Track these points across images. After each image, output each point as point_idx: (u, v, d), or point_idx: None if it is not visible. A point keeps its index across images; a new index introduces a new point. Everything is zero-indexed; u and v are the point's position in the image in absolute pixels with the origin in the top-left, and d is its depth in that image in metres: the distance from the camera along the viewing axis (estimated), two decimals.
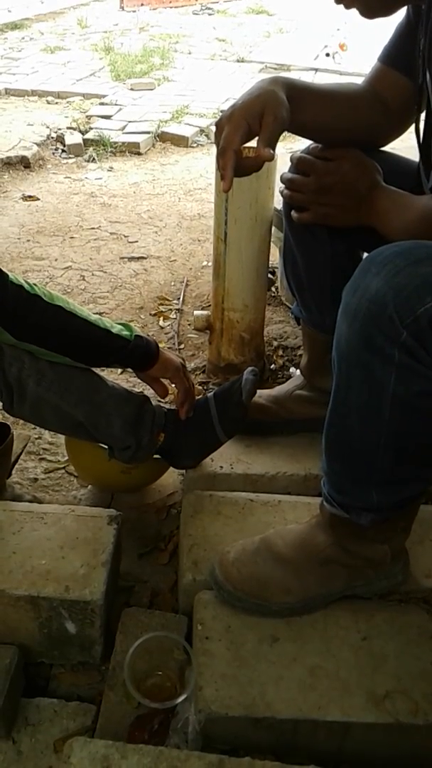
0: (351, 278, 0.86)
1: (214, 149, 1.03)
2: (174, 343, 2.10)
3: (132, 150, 4.09)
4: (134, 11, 8.63)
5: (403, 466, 0.93)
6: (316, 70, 5.86)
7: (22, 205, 3.33)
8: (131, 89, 5.18)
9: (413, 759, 0.98)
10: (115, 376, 1.79)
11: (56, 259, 2.72)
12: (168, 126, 4.38)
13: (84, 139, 4.13)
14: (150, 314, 2.31)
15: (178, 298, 2.40)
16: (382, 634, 1.04)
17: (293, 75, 3.82)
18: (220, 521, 1.24)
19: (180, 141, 4.25)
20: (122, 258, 2.75)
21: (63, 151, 4.09)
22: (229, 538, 1.18)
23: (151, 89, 5.21)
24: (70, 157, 4.02)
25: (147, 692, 1.01)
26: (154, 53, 6.31)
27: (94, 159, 3.97)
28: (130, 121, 4.43)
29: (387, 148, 1.23)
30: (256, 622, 1.05)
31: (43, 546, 1.14)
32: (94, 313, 1.20)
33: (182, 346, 2.10)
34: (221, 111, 3.33)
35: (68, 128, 4.30)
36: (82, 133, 4.25)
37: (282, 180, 1.17)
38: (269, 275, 1.80)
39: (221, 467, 1.40)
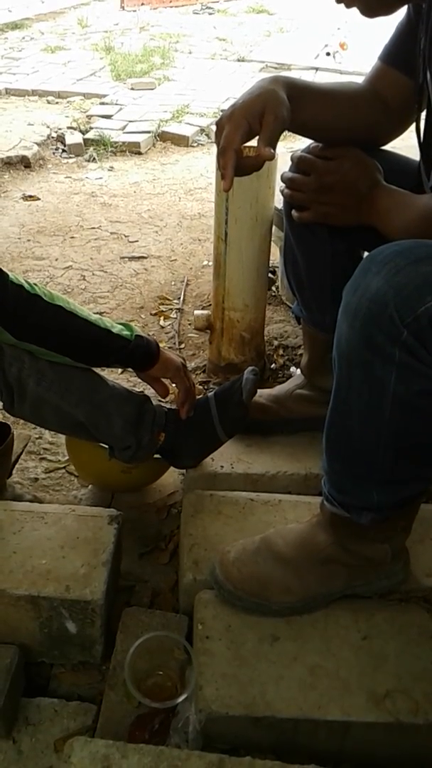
0: (351, 277, 0.86)
1: (214, 149, 1.03)
2: (174, 343, 2.10)
3: (132, 149, 4.09)
4: (135, 11, 8.62)
5: (403, 465, 0.93)
6: (317, 69, 5.86)
7: (23, 204, 3.33)
8: (132, 89, 5.18)
9: (413, 758, 0.98)
10: (115, 376, 1.79)
11: (56, 259, 2.72)
12: (168, 125, 4.38)
13: (84, 139, 4.13)
14: (150, 314, 2.31)
15: (179, 298, 2.40)
16: (383, 634, 1.04)
17: (294, 74, 3.83)
18: (221, 521, 1.24)
19: (180, 140, 4.24)
20: (123, 258, 2.75)
21: (63, 150, 4.09)
22: (229, 537, 1.18)
23: (152, 89, 5.21)
24: (70, 157, 4.02)
25: (147, 692, 1.01)
26: (154, 53, 6.31)
27: (94, 159, 3.97)
28: (130, 121, 4.43)
29: (387, 147, 1.23)
30: (257, 621, 1.05)
31: (43, 546, 1.14)
32: (94, 313, 1.20)
33: (183, 345, 2.10)
34: (222, 110, 3.32)
35: (69, 128, 4.30)
36: (83, 132, 4.25)
37: (282, 179, 1.17)
38: (270, 274, 1.80)
39: (222, 467, 1.40)
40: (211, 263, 1.86)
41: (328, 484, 1.01)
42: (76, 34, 7.34)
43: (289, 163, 1.16)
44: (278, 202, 1.48)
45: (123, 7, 8.83)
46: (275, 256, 2.06)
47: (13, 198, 3.41)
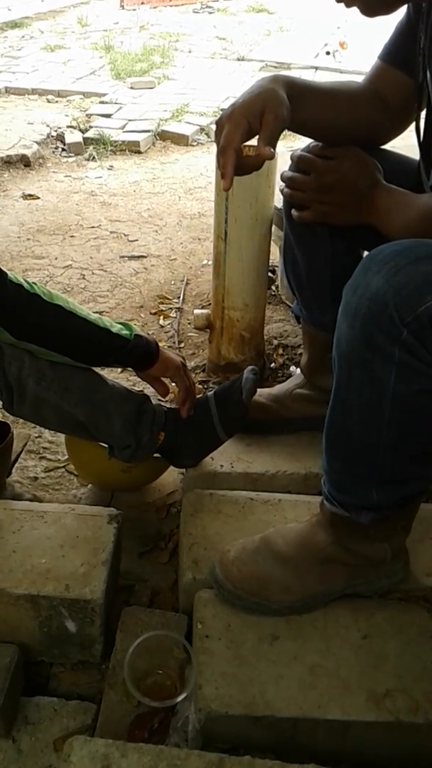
0: (351, 277, 0.86)
1: (214, 148, 1.03)
2: (174, 342, 2.10)
3: (132, 149, 4.09)
4: (134, 10, 8.62)
5: (403, 464, 0.93)
6: (317, 68, 5.86)
7: (22, 203, 3.33)
8: (131, 88, 5.17)
9: (413, 758, 0.98)
10: (115, 375, 1.79)
11: (56, 258, 2.72)
12: (168, 124, 4.38)
13: (84, 138, 4.12)
14: (150, 313, 2.30)
15: (178, 297, 2.39)
16: (383, 633, 1.04)
17: (293, 73, 3.82)
18: (221, 520, 1.24)
19: (180, 139, 4.24)
20: (122, 257, 2.74)
21: (63, 149, 4.09)
22: (229, 536, 1.18)
23: (151, 88, 5.21)
24: (70, 156, 4.02)
25: (147, 691, 1.01)
26: (154, 52, 6.30)
27: (94, 158, 3.97)
28: (130, 120, 4.43)
29: (387, 147, 1.23)
30: (256, 620, 1.05)
31: (43, 545, 1.14)
32: (94, 312, 1.20)
33: (182, 344, 2.09)
34: (221, 109, 3.32)
35: (68, 127, 4.30)
36: (82, 131, 4.25)
37: (282, 178, 1.17)
38: (269, 274, 1.80)
39: (221, 466, 1.40)
40: (210, 262, 1.85)
41: (327, 484, 1.01)
42: (76, 33, 7.34)
43: (289, 162, 1.16)
44: (278, 201, 1.48)
45: (123, 6, 8.83)
46: (275, 255, 2.06)
47: (12, 197, 3.41)
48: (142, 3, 8.95)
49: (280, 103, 0.97)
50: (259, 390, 1.43)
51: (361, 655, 1.01)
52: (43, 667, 1.14)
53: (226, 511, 1.25)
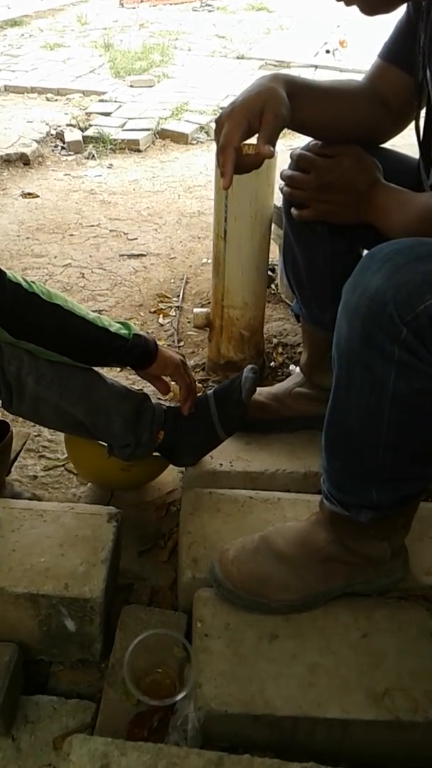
0: (351, 275, 0.86)
1: (213, 146, 1.02)
2: (173, 341, 2.10)
3: (131, 147, 4.09)
4: (134, 8, 8.62)
5: (403, 463, 0.93)
6: (316, 67, 5.85)
7: (22, 202, 3.33)
8: (131, 86, 5.17)
9: (413, 756, 0.98)
10: (114, 374, 1.78)
11: (56, 257, 2.72)
12: (167, 123, 4.38)
13: (83, 136, 4.12)
14: (149, 311, 2.30)
15: (178, 296, 2.39)
16: (382, 632, 1.04)
17: (293, 72, 3.83)
18: (220, 519, 1.24)
19: (180, 138, 4.24)
20: (122, 255, 2.74)
21: (62, 148, 4.08)
22: (228, 535, 1.18)
23: (151, 86, 5.20)
24: (69, 154, 4.01)
25: (146, 689, 1.01)
26: (153, 50, 6.30)
27: (93, 156, 3.97)
28: (129, 118, 4.42)
29: (387, 145, 1.23)
30: (256, 619, 1.05)
31: (42, 543, 1.14)
32: (93, 311, 1.20)
33: (182, 343, 2.09)
34: (221, 108, 3.31)
35: (68, 125, 4.29)
36: (82, 130, 4.25)
37: (282, 177, 1.17)
38: (269, 272, 1.79)
39: (221, 465, 1.40)
40: (210, 261, 1.85)
41: (327, 483, 1.01)
42: (76, 31, 7.33)
43: (289, 160, 1.16)
44: (278, 200, 1.48)
45: (122, 5, 8.83)
46: (275, 254, 2.05)
47: (12, 195, 3.40)
48: (142, 1, 8.95)
49: (279, 102, 0.97)
50: (258, 389, 1.43)
51: (360, 653, 1.01)
52: (42, 666, 1.14)
53: (226, 509, 1.25)
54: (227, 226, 1.60)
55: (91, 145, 4.05)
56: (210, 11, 9.04)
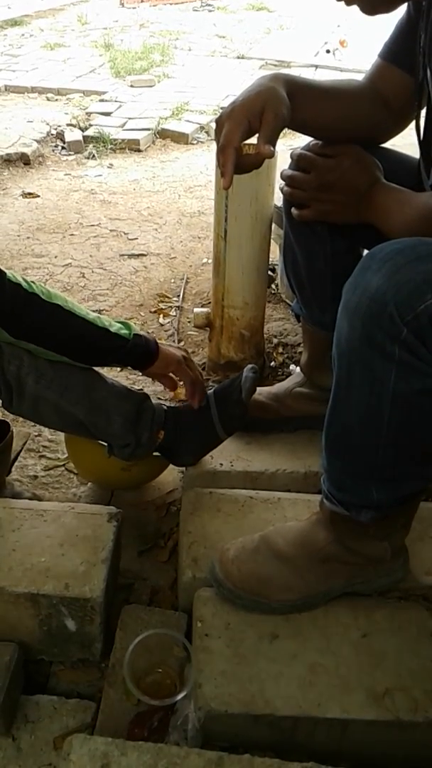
0: (351, 275, 0.86)
1: (214, 146, 1.02)
2: (174, 341, 2.10)
3: (132, 147, 4.09)
4: (134, 8, 8.61)
5: (403, 463, 0.93)
6: (317, 66, 5.85)
7: (22, 202, 3.33)
8: (131, 86, 5.17)
9: (413, 756, 0.98)
10: (114, 374, 1.78)
11: (56, 257, 2.72)
12: (168, 123, 4.38)
13: (84, 136, 4.12)
14: (150, 311, 2.30)
15: (178, 296, 2.39)
16: (382, 632, 1.04)
17: (293, 71, 3.82)
18: (220, 518, 1.24)
19: (180, 138, 4.24)
20: (122, 255, 2.74)
21: (63, 148, 4.08)
22: (228, 535, 1.18)
23: (151, 86, 5.20)
24: (69, 154, 4.01)
25: (147, 689, 1.01)
26: (154, 50, 6.30)
27: (93, 156, 3.97)
28: (129, 118, 4.42)
29: (387, 145, 1.23)
30: (256, 619, 1.05)
31: (42, 543, 1.14)
32: (93, 311, 1.20)
33: (182, 343, 2.09)
34: (221, 108, 3.30)
35: (68, 125, 4.29)
36: (82, 130, 4.24)
37: (282, 177, 1.17)
38: (269, 272, 1.79)
39: (221, 464, 1.40)
40: (210, 261, 1.85)
41: (327, 482, 1.01)
42: (76, 31, 7.33)
43: (289, 160, 1.16)
44: (278, 200, 1.48)
45: (122, 4, 8.83)
46: (275, 254, 2.05)
47: (12, 195, 3.40)
48: (142, 1, 8.95)
49: (280, 102, 0.97)
50: (258, 388, 1.43)
51: (360, 653, 1.01)
52: (42, 666, 1.14)
53: (226, 509, 1.25)
54: (227, 226, 1.60)
55: (91, 145, 4.05)
56: (210, 11, 9.03)
